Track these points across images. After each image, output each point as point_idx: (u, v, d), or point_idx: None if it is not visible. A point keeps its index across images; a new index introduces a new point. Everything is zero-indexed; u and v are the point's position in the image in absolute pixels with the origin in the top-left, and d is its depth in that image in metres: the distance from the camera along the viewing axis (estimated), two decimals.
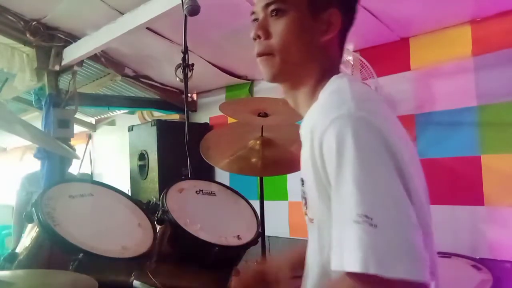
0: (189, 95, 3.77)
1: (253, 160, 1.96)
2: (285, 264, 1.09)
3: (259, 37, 0.91)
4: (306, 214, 0.91)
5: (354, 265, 0.68)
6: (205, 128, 3.64)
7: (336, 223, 0.74)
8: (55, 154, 3.10)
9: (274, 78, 0.93)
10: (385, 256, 0.68)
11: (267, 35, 0.91)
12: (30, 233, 1.39)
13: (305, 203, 0.90)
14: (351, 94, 0.81)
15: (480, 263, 1.84)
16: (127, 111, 4.49)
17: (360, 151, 0.72)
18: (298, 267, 1.01)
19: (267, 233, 1.97)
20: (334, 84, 0.89)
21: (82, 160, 5.31)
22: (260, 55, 0.92)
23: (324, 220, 0.81)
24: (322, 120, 0.78)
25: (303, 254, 0.98)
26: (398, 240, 0.69)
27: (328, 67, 0.93)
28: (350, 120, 0.75)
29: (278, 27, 0.90)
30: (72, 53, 3.18)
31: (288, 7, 0.89)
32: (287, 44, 0.90)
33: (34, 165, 3.56)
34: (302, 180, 0.89)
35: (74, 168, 4.92)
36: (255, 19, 0.94)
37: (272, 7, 0.90)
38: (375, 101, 0.87)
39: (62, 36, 3.22)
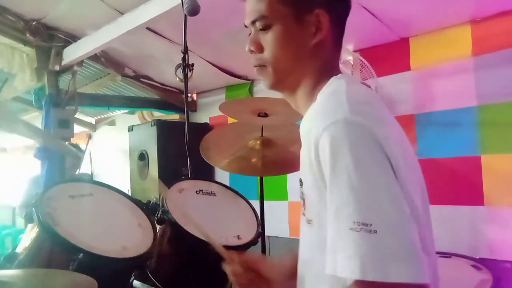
0: (189, 95, 3.76)
1: (253, 160, 1.96)
2: (280, 268, 1.08)
3: (252, 51, 0.96)
4: (304, 215, 0.90)
5: (353, 272, 0.69)
6: (205, 128, 3.64)
7: (330, 228, 0.75)
8: (55, 154, 3.10)
9: (271, 87, 0.98)
10: (384, 261, 0.68)
11: (259, 49, 0.95)
12: (30, 233, 1.39)
13: (303, 204, 0.90)
14: (347, 97, 0.82)
15: (480, 263, 1.84)
16: (127, 111, 4.49)
17: (354, 156, 0.73)
18: (292, 277, 1.00)
19: (267, 233, 1.97)
20: (331, 86, 0.90)
21: (82, 159, 5.31)
22: (255, 66, 0.98)
23: (324, 222, 0.81)
24: (318, 125, 0.79)
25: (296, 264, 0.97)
26: (398, 244, 0.69)
27: (324, 68, 0.94)
28: (344, 125, 0.76)
29: (266, 40, 0.94)
30: (72, 53, 3.18)
31: (272, 20, 0.92)
32: (277, 55, 0.93)
33: (35, 165, 3.56)
34: (301, 181, 0.90)
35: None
36: (250, 33, 0.98)
37: (257, 24, 0.94)
38: (372, 103, 0.87)
39: (62, 36, 3.21)
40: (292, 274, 1.00)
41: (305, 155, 0.84)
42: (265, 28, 0.93)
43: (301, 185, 0.89)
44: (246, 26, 0.98)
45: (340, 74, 0.94)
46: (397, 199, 0.72)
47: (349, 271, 0.69)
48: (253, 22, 0.95)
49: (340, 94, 0.84)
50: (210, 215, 1.62)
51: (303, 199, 0.90)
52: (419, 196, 0.81)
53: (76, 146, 3.99)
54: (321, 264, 0.81)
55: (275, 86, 0.98)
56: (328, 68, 0.94)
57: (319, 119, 0.80)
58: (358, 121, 0.76)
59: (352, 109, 0.78)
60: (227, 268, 1.06)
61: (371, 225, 0.69)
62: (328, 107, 0.83)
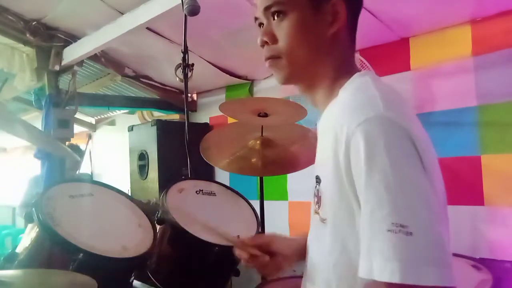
0: (189, 95, 3.76)
1: (253, 160, 1.96)
2: (290, 245, 1.07)
3: (266, 42, 0.90)
4: (316, 213, 0.87)
5: (392, 275, 0.67)
6: (205, 128, 3.64)
7: (366, 230, 0.72)
8: (55, 154, 3.10)
9: (285, 81, 0.92)
10: (420, 265, 0.67)
11: (273, 40, 0.90)
12: (30, 233, 1.39)
13: (318, 202, 0.87)
14: (378, 94, 0.79)
15: (480, 263, 1.84)
16: (127, 111, 4.50)
17: (390, 155, 0.70)
18: (299, 254, 1.00)
19: (267, 233, 1.97)
20: (356, 82, 0.87)
21: (82, 160, 5.32)
22: (267, 58, 0.91)
23: (343, 222, 0.79)
24: (349, 121, 0.75)
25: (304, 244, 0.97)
26: (431, 247, 0.68)
27: (342, 62, 0.91)
28: (379, 122, 0.73)
29: (282, 30, 0.88)
30: (72, 53, 3.18)
31: (288, 7, 0.87)
32: (294, 45, 0.88)
33: (34, 165, 3.56)
34: (318, 178, 0.86)
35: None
36: (260, 24, 0.93)
37: (271, 10, 0.89)
38: (399, 101, 0.85)
39: (62, 36, 3.21)
40: (301, 251, 0.99)
41: (327, 152, 0.80)
42: (280, 15, 0.88)
43: (318, 182, 0.86)
44: (256, 18, 0.93)
45: (363, 71, 0.91)
46: (429, 200, 0.71)
47: (387, 274, 0.67)
48: (267, 9, 0.89)
49: (370, 91, 0.81)
50: (210, 215, 1.62)
51: (319, 197, 0.86)
52: (442, 195, 0.81)
53: (76, 146, 3.99)
54: (332, 264, 0.80)
55: (289, 79, 0.92)
56: (346, 62, 0.91)
57: (351, 116, 0.76)
58: (392, 118, 0.74)
59: (386, 106, 0.75)
60: (240, 254, 1.04)
61: (407, 226, 0.67)
62: (359, 104, 0.79)
